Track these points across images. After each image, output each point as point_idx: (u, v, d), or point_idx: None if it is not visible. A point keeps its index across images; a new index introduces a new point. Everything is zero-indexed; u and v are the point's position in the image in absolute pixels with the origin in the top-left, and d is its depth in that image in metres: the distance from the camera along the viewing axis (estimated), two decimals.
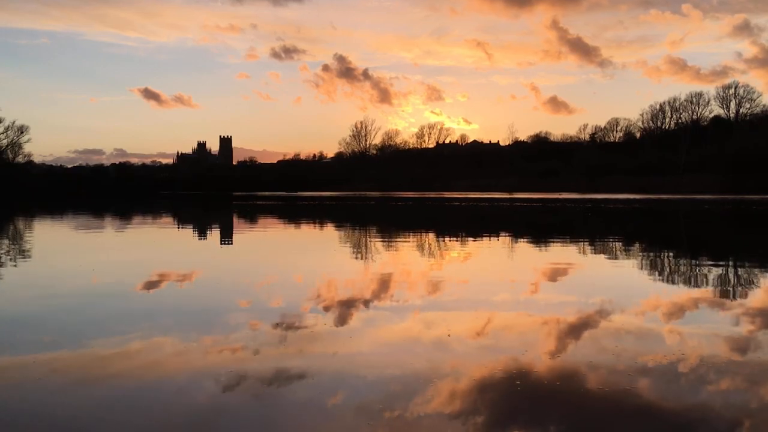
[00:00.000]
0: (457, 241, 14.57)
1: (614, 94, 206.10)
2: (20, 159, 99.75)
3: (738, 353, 4.56)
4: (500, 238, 15.48)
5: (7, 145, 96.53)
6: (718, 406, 3.49)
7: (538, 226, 20.48)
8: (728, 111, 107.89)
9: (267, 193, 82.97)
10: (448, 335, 5.05)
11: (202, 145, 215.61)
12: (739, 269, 9.50)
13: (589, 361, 4.30)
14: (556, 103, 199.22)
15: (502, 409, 3.47)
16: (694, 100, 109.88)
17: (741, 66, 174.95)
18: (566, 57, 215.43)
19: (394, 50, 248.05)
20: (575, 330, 5.30)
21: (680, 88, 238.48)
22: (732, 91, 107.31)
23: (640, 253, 11.84)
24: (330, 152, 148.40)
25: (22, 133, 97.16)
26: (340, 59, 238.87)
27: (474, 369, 4.12)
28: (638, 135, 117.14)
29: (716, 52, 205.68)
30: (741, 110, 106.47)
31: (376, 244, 13.72)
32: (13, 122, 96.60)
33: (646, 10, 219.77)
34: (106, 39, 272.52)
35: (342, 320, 5.63)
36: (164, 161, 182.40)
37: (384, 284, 7.75)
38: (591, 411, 3.42)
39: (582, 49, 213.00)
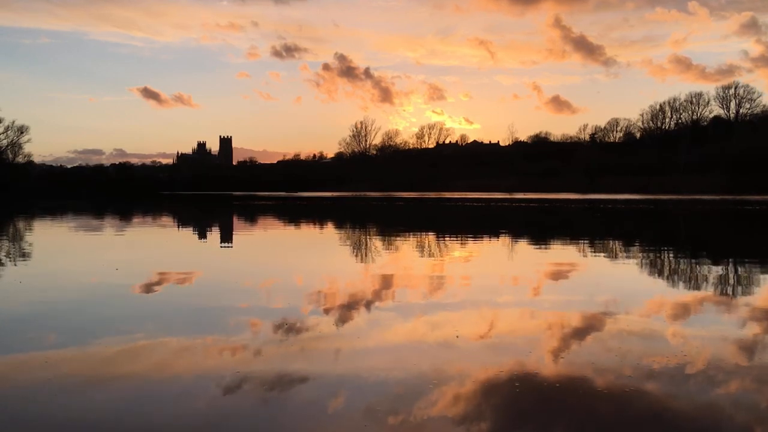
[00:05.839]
0: (458, 241, 14.55)
1: (618, 94, 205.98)
2: (20, 159, 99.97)
3: (745, 355, 4.54)
4: (502, 238, 15.46)
5: (7, 145, 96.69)
6: (727, 408, 3.47)
7: (540, 226, 20.46)
8: (728, 111, 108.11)
9: (267, 194, 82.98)
10: (456, 336, 5.03)
11: (202, 145, 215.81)
12: (743, 270, 9.48)
13: (596, 363, 4.28)
14: (558, 103, 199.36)
15: (512, 411, 3.44)
16: (694, 100, 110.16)
17: (747, 65, 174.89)
18: (570, 56, 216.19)
19: (398, 50, 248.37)
20: (581, 331, 5.28)
21: (685, 87, 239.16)
22: (732, 91, 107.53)
23: (643, 254, 11.82)
24: (330, 152, 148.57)
25: (22, 133, 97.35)
26: (341, 58, 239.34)
27: (484, 371, 4.10)
28: (638, 135, 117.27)
29: (722, 51, 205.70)
30: (741, 110, 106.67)
31: (378, 244, 13.70)
32: (13, 122, 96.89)
33: (653, 8, 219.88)
34: (111, 39, 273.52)
35: (347, 321, 5.61)
36: (164, 161, 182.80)
37: (387, 285, 7.73)
38: (598, 413, 3.40)
39: (586, 48, 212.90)
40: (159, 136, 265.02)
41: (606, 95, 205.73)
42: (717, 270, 9.27)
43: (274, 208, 36.41)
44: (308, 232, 18.15)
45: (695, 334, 5.16)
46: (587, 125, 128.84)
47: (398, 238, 15.04)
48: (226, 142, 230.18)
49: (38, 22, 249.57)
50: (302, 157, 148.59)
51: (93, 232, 17.12)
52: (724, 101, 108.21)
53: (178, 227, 20.39)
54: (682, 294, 7.23)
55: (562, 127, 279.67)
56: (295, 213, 30.02)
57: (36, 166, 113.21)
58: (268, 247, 13.54)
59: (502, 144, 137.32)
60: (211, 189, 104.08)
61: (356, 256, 11.43)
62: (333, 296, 6.88)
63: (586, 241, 14.29)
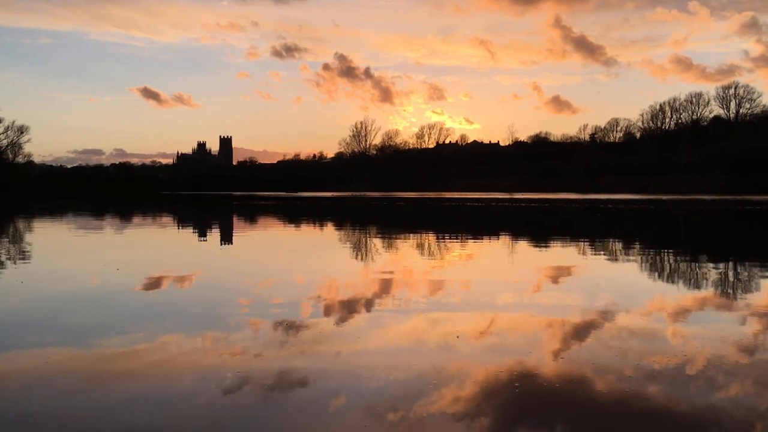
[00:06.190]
0: (458, 241, 14.55)
1: (618, 94, 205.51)
2: (20, 159, 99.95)
3: (745, 354, 4.54)
4: (503, 238, 15.46)
5: (7, 145, 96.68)
6: (727, 408, 3.47)
7: (540, 227, 20.46)
8: (728, 111, 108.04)
9: (267, 194, 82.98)
10: (457, 336, 5.03)
11: (202, 145, 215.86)
12: (743, 270, 9.48)
13: (596, 363, 4.28)
14: (559, 103, 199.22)
15: (512, 411, 3.45)
16: (694, 100, 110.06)
17: (748, 65, 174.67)
18: (570, 56, 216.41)
19: (399, 50, 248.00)
20: (581, 331, 5.28)
21: (686, 87, 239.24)
22: (732, 91, 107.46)
23: (643, 254, 11.82)
24: (330, 152, 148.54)
25: (22, 133, 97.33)
26: (341, 58, 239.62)
27: (485, 371, 4.10)
28: (638, 135, 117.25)
29: (723, 51, 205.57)
30: (741, 110, 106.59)
31: (378, 244, 13.70)
32: (13, 122, 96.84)
33: (653, 8, 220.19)
34: (111, 39, 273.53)
35: (347, 322, 5.62)
36: (164, 161, 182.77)
37: (388, 286, 7.73)
38: (598, 413, 3.40)
39: (587, 48, 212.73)
40: (159, 136, 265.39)
41: (606, 95, 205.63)
42: (717, 270, 9.27)
43: (274, 208, 36.41)
44: (308, 232, 18.16)
45: (695, 333, 5.16)
46: (587, 125, 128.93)
47: (398, 239, 15.05)
48: (226, 142, 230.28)
49: (38, 22, 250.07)
50: (302, 157, 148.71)
51: (93, 232, 17.12)
52: (724, 101, 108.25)
53: (179, 227, 20.39)
54: (682, 294, 7.23)
55: (562, 127, 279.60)
56: (295, 213, 30.02)
57: (36, 166, 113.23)
58: (269, 247, 13.54)
59: (502, 144, 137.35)
60: (211, 189, 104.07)
61: (356, 256, 11.43)
62: (333, 297, 6.88)
63: (586, 242, 14.29)
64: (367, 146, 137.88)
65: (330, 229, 19.49)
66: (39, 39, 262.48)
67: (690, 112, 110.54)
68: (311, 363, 4.28)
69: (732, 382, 3.91)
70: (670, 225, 21.43)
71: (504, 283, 8.12)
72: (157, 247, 13.05)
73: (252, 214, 28.66)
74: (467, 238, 15.11)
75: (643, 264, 10.22)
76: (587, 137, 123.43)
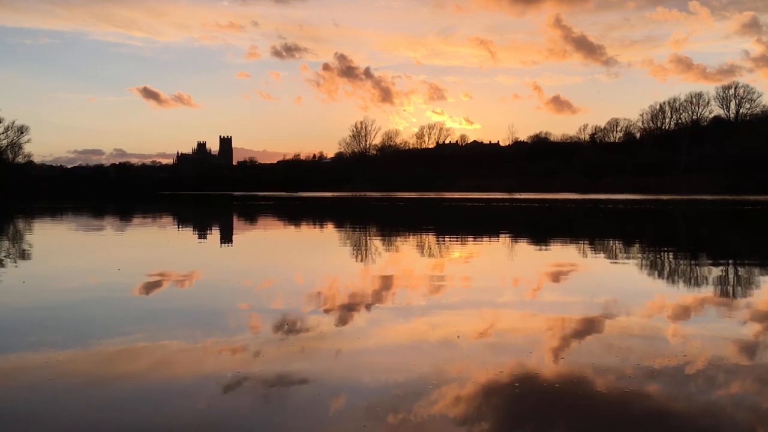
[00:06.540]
0: (458, 241, 14.55)
1: (619, 94, 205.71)
2: (20, 159, 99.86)
3: (746, 355, 4.54)
4: (503, 238, 15.46)
5: (7, 146, 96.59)
6: (728, 409, 3.47)
7: (540, 226, 20.45)
8: (728, 111, 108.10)
9: (267, 194, 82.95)
10: (457, 336, 5.03)
11: (202, 145, 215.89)
12: (743, 270, 9.48)
13: (596, 363, 4.28)
14: (559, 103, 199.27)
15: (513, 412, 3.45)
16: (694, 100, 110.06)
17: (748, 64, 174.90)
18: (571, 56, 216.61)
19: (399, 50, 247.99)
20: (582, 331, 5.28)
21: (686, 87, 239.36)
22: (732, 91, 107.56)
23: (643, 254, 11.82)
24: (330, 152, 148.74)
25: (22, 133, 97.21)
26: (341, 58, 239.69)
27: (485, 371, 4.10)
28: (638, 135, 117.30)
29: (723, 51, 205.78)
30: (741, 110, 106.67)
31: (378, 244, 13.70)
32: (13, 122, 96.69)
33: (654, 8, 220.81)
34: (111, 39, 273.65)
35: (347, 321, 5.62)
36: (164, 161, 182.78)
37: (388, 285, 7.73)
38: (598, 414, 3.40)
39: (587, 48, 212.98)
40: (159, 136, 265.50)
41: (606, 95, 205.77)
42: (717, 270, 9.27)
43: (274, 208, 36.41)
44: (308, 232, 18.15)
45: (696, 334, 5.16)
46: (587, 125, 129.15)
47: (398, 238, 15.05)
48: (226, 142, 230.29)
49: (38, 22, 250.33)
50: (302, 157, 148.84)
51: (94, 232, 17.12)
52: (724, 101, 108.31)
53: (179, 227, 20.39)
54: (682, 294, 7.23)
55: (562, 127, 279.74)
56: (295, 213, 30.01)
57: (36, 166, 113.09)
58: (269, 247, 13.53)
59: (502, 144, 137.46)
60: (211, 189, 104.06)
61: (356, 256, 11.43)
62: (333, 296, 6.88)
63: (586, 242, 14.29)
64: (367, 146, 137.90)
65: (330, 229, 19.48)
66: (39, 39, 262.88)
67: (690, 112, 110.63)
68: (311, 363, 4.28)
69: (733, 382, 3.91)
70: (670, 225, 21.42)
71: (504, 283, 8.12)
72: (158, 247, 13.04)
73: (252, 214, 28.66)
74: (467, 238, 15.11)
75: (644, 264, 10.22)
76: (587, 137, 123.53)
